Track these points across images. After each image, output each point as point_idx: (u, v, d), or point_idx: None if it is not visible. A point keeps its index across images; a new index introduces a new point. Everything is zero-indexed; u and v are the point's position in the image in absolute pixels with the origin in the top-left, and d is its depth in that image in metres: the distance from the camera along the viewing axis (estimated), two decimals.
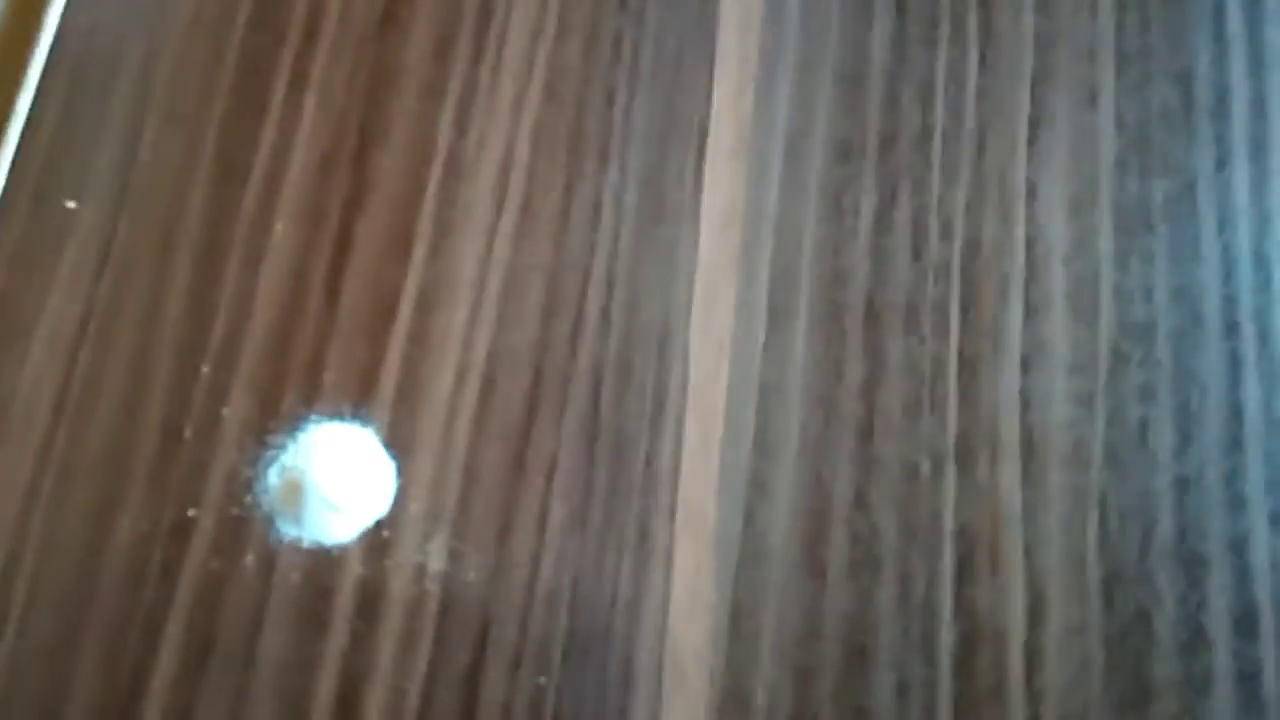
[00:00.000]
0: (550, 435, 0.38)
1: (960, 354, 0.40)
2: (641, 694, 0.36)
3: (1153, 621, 0.36)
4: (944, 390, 0.39)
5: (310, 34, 0.43)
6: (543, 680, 0.36)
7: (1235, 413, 0.39)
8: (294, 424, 0.38)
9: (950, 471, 0.38)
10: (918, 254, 0.41)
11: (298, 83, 0.43)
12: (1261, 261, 0.41)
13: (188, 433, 0.38)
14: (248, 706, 0.35)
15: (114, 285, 0.40)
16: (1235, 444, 0.38)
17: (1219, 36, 0.44)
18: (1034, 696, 0.36)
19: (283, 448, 0.38)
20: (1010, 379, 0.39)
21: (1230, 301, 0.40)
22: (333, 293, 0.40)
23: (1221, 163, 0.42)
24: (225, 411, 0.38)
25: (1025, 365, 0.39)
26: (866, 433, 0.39)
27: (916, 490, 0.38)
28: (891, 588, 0.37)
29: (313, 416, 0.38)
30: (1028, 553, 0.37)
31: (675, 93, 0.43)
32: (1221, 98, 0.43)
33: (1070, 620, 0.36)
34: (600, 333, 0.40)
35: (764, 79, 0.43)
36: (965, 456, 0.38)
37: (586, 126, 0.42)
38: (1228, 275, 0.41)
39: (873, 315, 0.40)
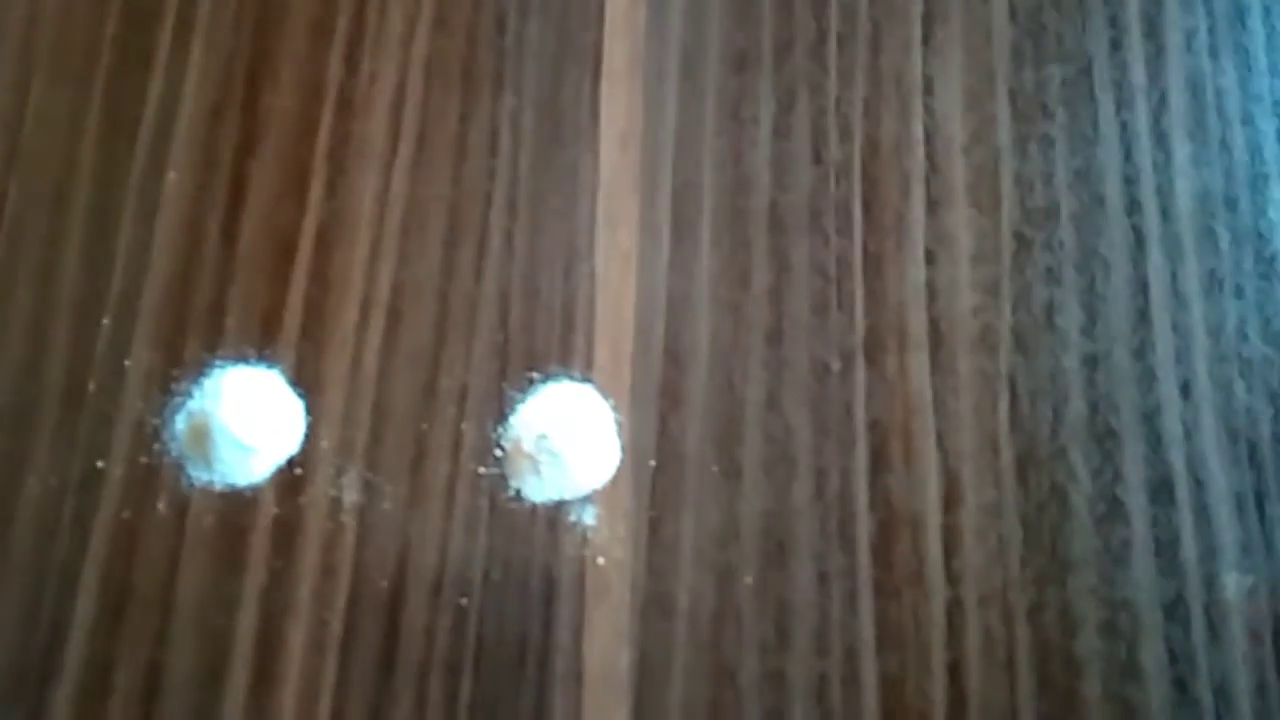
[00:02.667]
0: (460, 362, 0.38)
1: (865, 252, 0.40)
2: (564, 606, 0.35)
3: (1068, 497, 0.36)
4: (850, 288, 0.39)
5: None
6: (464, 601, 0.35)
7: (1141, 288, 0.39)
8: (198, 369, 0.38)
9: (860, 366, 0.38)
10: (818, 157, 0.41)
11: (182, 31, 0.42)
12: (1161, 138, 0.41)
13: (91, 386, 0.38)
14: (168, 650, 0.35)
15: (8, 245, 0.39)
16: (1142, 318, 0.39)
17: None
18: (953, 578, 0.36)
19: (188, 394, 0.37)
20: (915, 272, 0.39)
21: (1131, 180, 0.40)
22: (230, 237, 0.39)
23: (1116, 43, 0.42)
24: (128, 363, 0.38)
25: (929, 258, 0.39)
26: (775, 336, 0.39)
27: (827, 387, 0.38)
28: (807, 483, 0.37)
29: (217, 361, 0.38)
30: (940, 439, 0.37)
31: (567, 15, 0.42)
32: None
33: (985, 502, 0.36)
34: (505, 258, 0.39)
35: None
36: (874, 351, 0.38)
37: (479, 55, 0.42)
38: (1127, 154, 0.41)
39: (776, 220, 0.40)
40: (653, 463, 0.37)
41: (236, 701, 0.35)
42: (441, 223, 0.40)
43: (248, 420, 0.37)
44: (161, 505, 0.36)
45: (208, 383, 0.37)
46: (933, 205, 0.40)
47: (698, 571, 0.36)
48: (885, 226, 0.40)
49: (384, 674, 0.35)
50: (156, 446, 0.37)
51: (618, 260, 0.40)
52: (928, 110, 0.41)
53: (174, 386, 0.38)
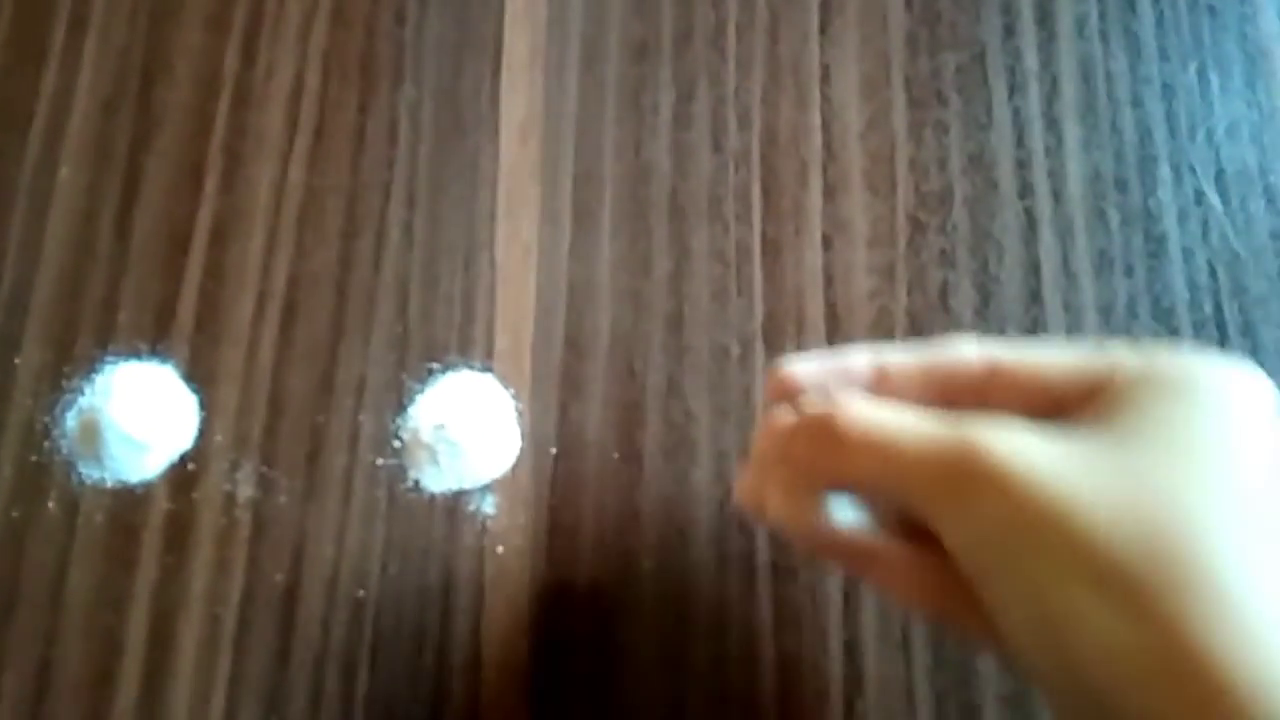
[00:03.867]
0: (358, 354, 0.38)
1: (764, 238, 0.40)
2: (463, 596, 0.35)
3: None
4: (749, 274, 0.39)
5: None
6: (361, 593, 0.35)
7: (1033, 268, 0.40)
8: (89, 366, 0.37)
9: (759, 351, 0.38)
10: (718, 145, 0.41)
11: (77, 26, 0.42)
12: (1052, 123, 0.41)
13: None
14: (58, 649, 0.34)
15: None
16: (1034, 298, 0.39)
17: None
18: None
19: (79, 391, 0.37)
20: (813, 258, 0.40)
21: (1023, 164, 0.41)
22: (123, 232, 0.39)
23: (1009, 30, 0.43)
24: (17, 360, 0.37)
25: (826, 243, 0.40)
26: (676, 322, 0.39)
27: (727, 372, 0.38)
28: (707, 468, 0.37)
29: (108, 357, 0.37)
30: None
31: (467, 6, 0.42)
32: None
33: None
34: (404, 249, 0.39)
35: None
36: (773, 336, 0.39)
37: (378, 47, 0.42)
38: (1020, 139, 0.41)
39: (677, 208, 0.40)
40: (553, 450, 0.37)
41: (128, 700, 0.34)
42: (339, 214, 0.39)
43: (139, 416, 0.36)
44: (51, 504, 0.36)
45: (99, 379, 0.37)
46: (830, 191, 0.40)
47: (598, 557, 0.36)
48: (783, 213, 0.40)
49: (279, 668, 0.34)
50: (46, 444, 0.36)
51: (518, 250, 0.40)
52: (825, 98, 0.42)
53: (65, 384, 0.37)
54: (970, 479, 0.22)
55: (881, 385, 0.27)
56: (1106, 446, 0.22)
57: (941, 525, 0.23)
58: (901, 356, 0.27)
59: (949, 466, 0.22)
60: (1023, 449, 0.22)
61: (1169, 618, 0.20)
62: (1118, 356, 0.24)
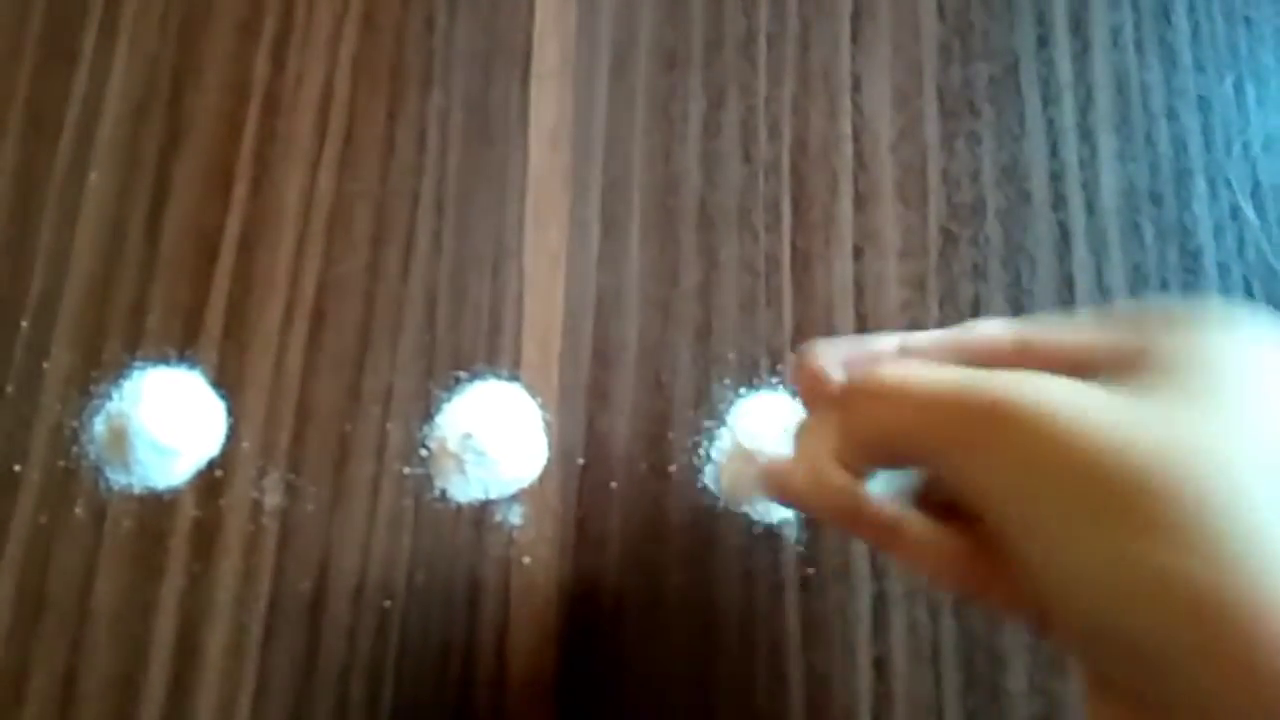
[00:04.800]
0: (385, 362, 0.38)
1: (794, 248, 0.40)
2: (488, 607, 0.35)
3: None
4: (778, 285, 0.39)
5: None
6: (388, 603, 0.35)
7: (1066, 282, 0.39)
8: (118, 371, 0.37)
9: (789, 361, 0.38)
10: (747, 155, 0.41)
11: (108, 31, 0.42)
12: (1086, 134, 0.41)
13: (9, 389, 0.37)
14: (85, 656, 0.34)
15: None
16: (1067, 312, 0.39)
17: None
18: (879, 572, 0.35)
19: (108, 396, 0.37)
20: (843, 269, 0.39)
21: (1056, 176, 0.40)
22: (152, 238, 0.39)
23: (1043, 40, 0.42)
24: (46, 365, 0.37)
25: (857, 254, 0.39)
26: (704, 333, 0.39)
27: (756, 384, 0.38)
28: None
29: (137, 362, 0.37)
30: None
31: (496, 14, 0.42)
32: None
33: None
34: (432, 256, 0.39)
35: None
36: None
37: (407, 54, 0.42)
38: (1053, 150, 0.41)
39: (705, 218, 0.40)
40: (581, 461, 0.37)
41: (154, 707, 0.34)
42: (368, 221, 0.39)
43: (167, 422, 0.36)
44: (79, 509, 0.36)
45: (127, 385, 0.37)
46: (860, 202, 0.40)
47: (623, 571, 0.36)
48: (813, 223, 0.40)
49: (304, 678, 0.34)
50: (75, 450, 0.36)
51: (546, 259, 0.39)
52: (856, 108, 0.41)
53: (93, 389, 0.37)
54: (1001, 418, 0.22)
55: (912, 355, 0.27)
56: (1136, 396, 0.22)
57: (974, 472, 0.23)
58: (930, 337, 0.27)
59: (981, 408, 0.22)
60: (1051, 389, 0.22)
61: (1198, 552, 0.20)
62: (1150, 331, 0.24)
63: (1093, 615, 0.21)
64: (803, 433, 0.28)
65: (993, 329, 0.26)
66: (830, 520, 0.29)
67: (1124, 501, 0.20)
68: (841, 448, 0.26)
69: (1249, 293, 0.39)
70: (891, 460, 0.26)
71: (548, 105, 0.41)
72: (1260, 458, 0.21)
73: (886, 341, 0.27)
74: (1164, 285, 0.39)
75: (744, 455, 0.37)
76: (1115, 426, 0.21)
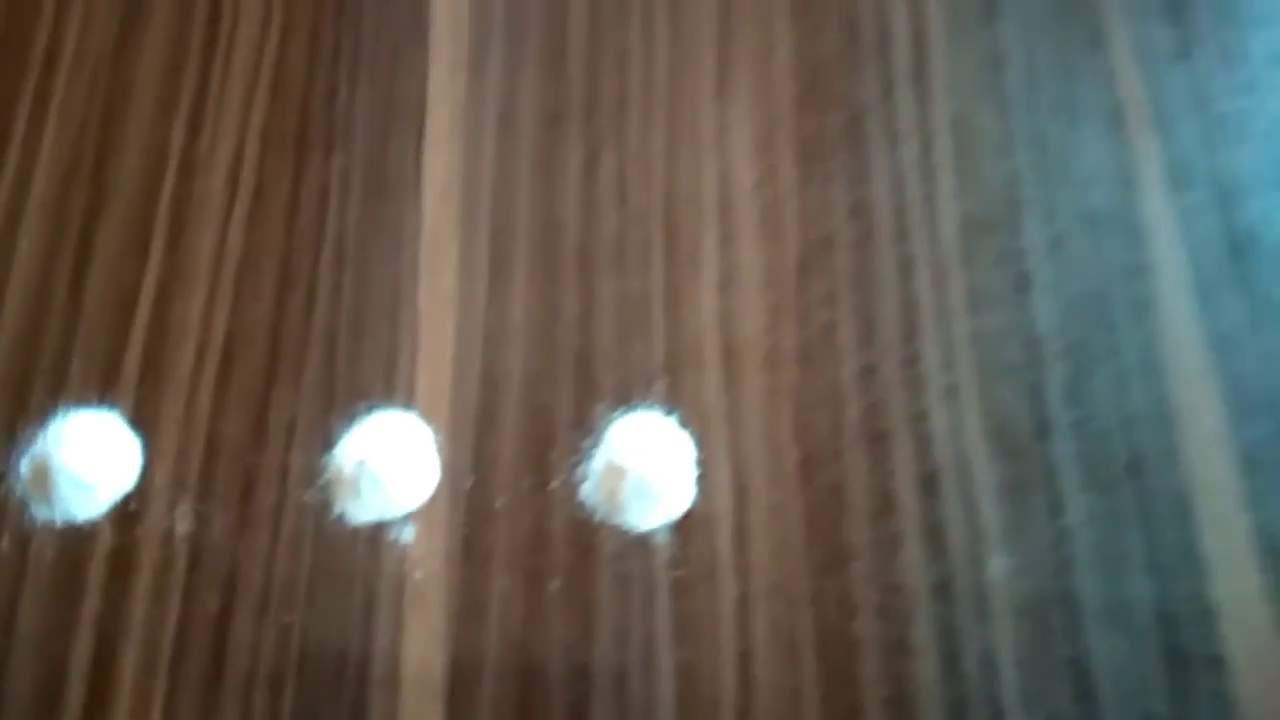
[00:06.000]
0: (289, 398, 0.41)
1: (665, 284, 0.44)
2: (383, 618, 0.38)
3: (846, 494, 0.40)
4: (651, 317, 0.43)
5: (51, 61, 0.47)
6: (289, 618, 0.38)
7: (910, 305, 0.43)
8: (43, 415, 0.41)
9: (660, 385, 0.42)
10: (623, 201, 0.45)
11: (40, 106, 0.46)
12: (927, 173, 0.45)
13: None
14: (8, 676, 0.37)
15: None
16: (912, 332, 0.43)
17: None
18: (743, 572, 0.39)
19: (33, 439, 0.40)
20: (709, 301, 0.43)
21: (900, 211, 0.45)
22: (76, 294, 0.43)
23: (888, 91, 0.47)
24: None
25: (722, 287, 0.43)
26: (584, 361, 0.42)
27: (630, 407, 0.41)
28: None
29: (60, 406, 0.41)
30: (732, 448, 0.41)
31: (393, 82, 0.47)
32: (885, 35, 0.48)
33: (772, 502, 0.40)
34: (333, 302, 0.43)
35: (474, 63, 0.47)
36: (673, 371, 0.42)
37: (312, 120, 0.46)
38: (898, 188, 0.45)
39: (584, 259, 0.44)
40: (469, 482, 0.40)
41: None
42: (274, 272, 0.43)
43: (87, 460, 0.39)
44: (4, 542, 0.39)
45: (51, 426, 0.40)
46: (725, 240, 0.44)
47: (508, 579, 0.39)
48: (682, 261, 0.44)
49: (211, 689, 0.37)
50: (2, 487, 0.40)
51: (438, 300, 0.43)
52: (720, 156, 0.46)
53: (19, 434, 0.40)
54: None
55: None
56: None
57: None
58: None
59: None
60: None
61: None
62: None
63: None
64: None
65: None
66: None
67: None
68: None
69: (1078, 309, 0.43)
70: None
71: (439, 163, 0.45)
72: None
73: None
74: (998, 306, 0.43)
75: (618, 471, 0.40)
76: None
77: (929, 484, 0.40)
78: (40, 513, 0.39)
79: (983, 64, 0.48)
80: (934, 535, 0.40)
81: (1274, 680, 0.37)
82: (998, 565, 0.39)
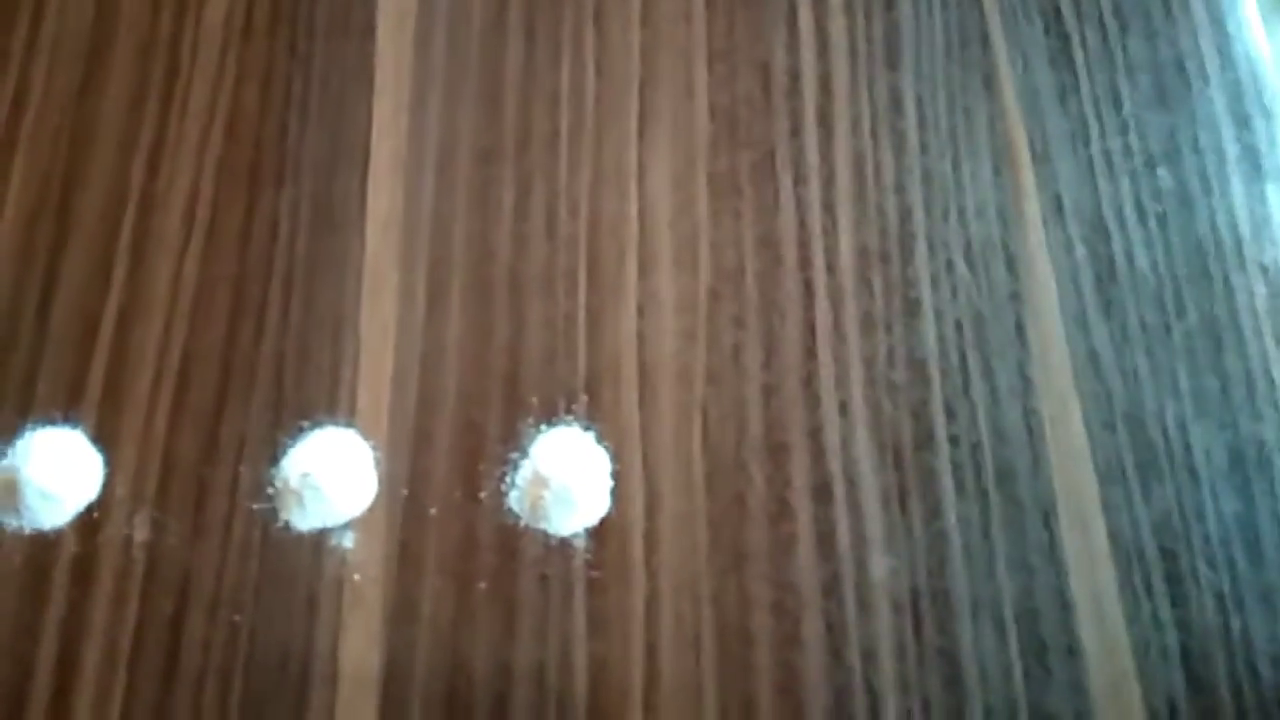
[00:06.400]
0: (239, 416, 0.45)
1: (587, 309, 0.48)
2: (323, 618, 0.42)
3: (747, 501, 0.44)
4: (575, 339, 0.47)
5: (19, 104, 0.50)
6: (238, 618, 0.42)
7: (810, 329, 0.47)
8: (11, 433, 0.44)
9: (582, 402, 0.46)
10: (551, 233, 0.49)
11: (7, 148, 0.49)
12: (829, 206, 0.50)
13: None
14: None
15: None
16: (810, 353, 0.47)
17: (792, 30, 0.53)
18: (652, 573, 0.43)
19: (2, 454, 0.44)
20: (628, 324, 0.47)
21: (803, 243, 0.49)
22: (42, 320, 0.46)
23: (795, 131, 0.51)
24: None
25: (640, 312, 0.47)
26: (512, 380, 0.46)
27: (554, 422, 0.45)
28: None
29: (28, 424, 0.44)
30: (645, 459, 0.45)
31: (340, 122, 0.51)
32: (795, 79, 0.52)
33: (680, 509, 0.44)
34: (281, 327, 0.47)
35: (416, 105, 0.51)
36: (594, 389, 0.46)
37: (263, 157, 0.50)
38: (801, 221, 0.49)
39: (515, 286, 0.48)
40: (405, 492, 0.44)
41: (37, 716, 0.40)
42: (227, 300, 0.47)
43: (52, 474, 0.43)
44: None
45: (19, 443, 0.44)
46: (643, 269, 0.48)
47: (440, 581, 0.43)
48: (605, 288, 0.48)
49: (166, 684, 0.41)
50: None
51: (379, 325, 0.47)
52: (641, 192, 0.50)
53: None
54: None
55: None
56: None
57: None
58: None
59: None
60: None
61: None
62: None
63: None
64: None
65: None
66: None
67: None
68: None
69: (959, 331, 0.47)
70: None
71: (382, 197, 0.49)
72: None
73: None
74: (889, 328, 0.47)
75: (542, 481, 0.44)
76: None
77: (821, 492, 0.44)
78: (8, 522, 0.43)
79: (882, 107, 0.52)
80: (824, 539, 0.44)
81: (1123, 670, 0.41)
82: (880, 565, 0.43)
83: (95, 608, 0.42)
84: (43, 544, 0.43)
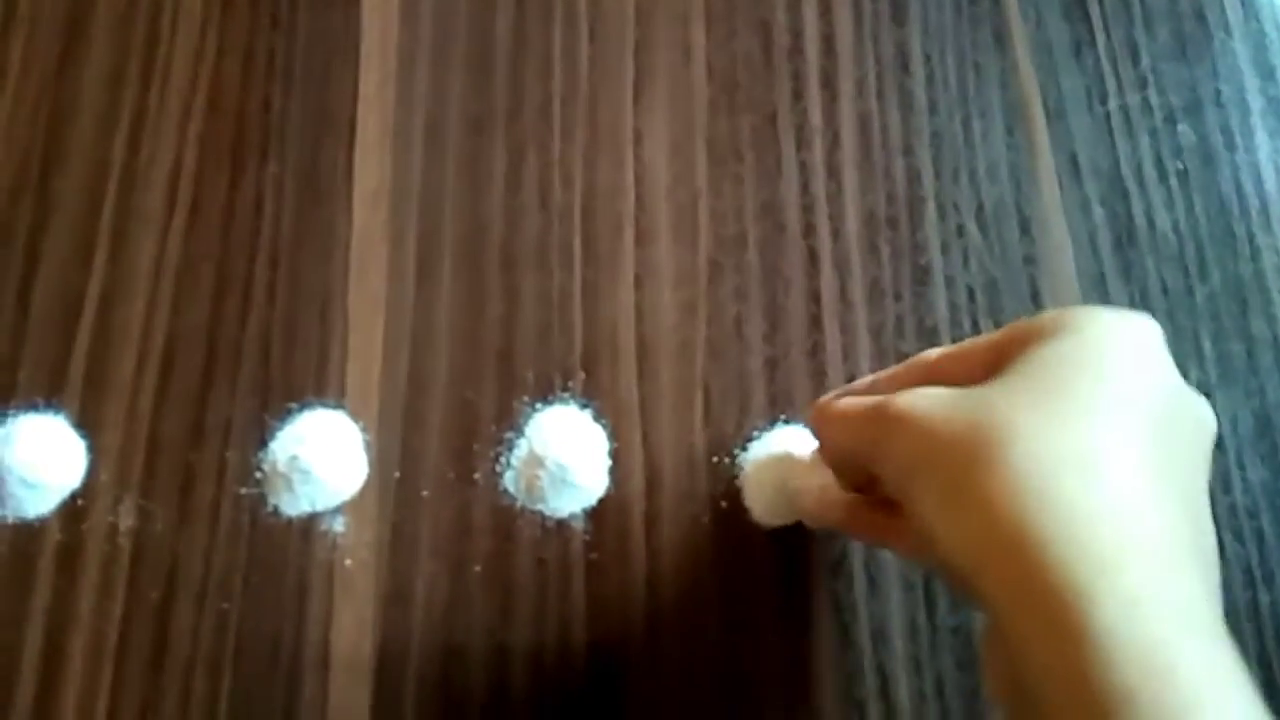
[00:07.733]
0: (225, 398, 0.44)
1: (583, 282, 0.46)
2: (314, 604, 0.41)
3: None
4: (570, 314, 0.45)
5: None
6: (226, 605, 0.41)
7: (814, 299, 0.46)
8: None
9: (578, 379, 0.44)
10: (544, 204, 0.47)
11: None
12: (833, 171, 0.48)
13: None
14: None
15: None
16: (815, 324, 0.45)
17: None
18: (653, 553, 0.42)
19: None
20: (625, 297, 0.46)
21: (807, 209, 0.47)
22: (23, 303, 0.45)
23: (797, 94, 0.49)
24: None
25: (638, 284, 0.46)
26: (506, 357, 0.45)
27: (550, 400, 0.44)
28: None
29: (10, 411, 0.43)
30: (645, 436, 0.43)
31: (325, 93, 0.49)
32: (796, 39, 0.50)
33: (681, 488, 0.42)
34: (267, 305, 0.45)
35: (403, 74, 0.49)
36: (591, 365, 0.44)
37: (246, 131, 0.48)
38: (805, 187, 0.47)
39: (507, 259, 0.46)
40: (397, 474, 0.43)
41: (24, 706, 0.39)
42: (211, 278, 0.45)
43: (36, 461, 0.42)
44: None
45: (1, 430, 0.43)
46: (641, 240, 0.47)
47: (434, 565, 0.41)
48: (601, 260, 0.46)
49: (154, 674, 0.40)
50: None
51: (368, 302, 0.45)
52: (637, 159, 0.48)
53: None
54: (888, 424, 0.30)
55: (874, 390, 0.35)
56: (976, 391, 0.29)
57: (883, 465, 0.30)
58: (887, 371, 0.36)
59: (881, 420, 0.30)
60: (916, 397, 0.30)
61: (986, 502, 0.26)
62: (1023, 322, 0.31)
63: (945, 558, 0.27)
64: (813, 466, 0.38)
65: (922, 357, 0.34)
66: (841, 528, 0.39)
67: (934, 467, 0.28)
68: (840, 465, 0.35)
69: (971, 299, 0.46)
70: (854, 470, 0.34)
71: (369, 169, 0.48)
72: (1051, 410, 0.27)
73: (861, 382, 0.37)
74: (898, 296, 0.45)
75: (538, 461, 0.42)
76: (947, 413, 0.28)
77: None
78: None
79: (889, 66, 0.50)
80: None
81: None
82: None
83: (81, 596, 0.41)
84: (27, 533, 0.41)
